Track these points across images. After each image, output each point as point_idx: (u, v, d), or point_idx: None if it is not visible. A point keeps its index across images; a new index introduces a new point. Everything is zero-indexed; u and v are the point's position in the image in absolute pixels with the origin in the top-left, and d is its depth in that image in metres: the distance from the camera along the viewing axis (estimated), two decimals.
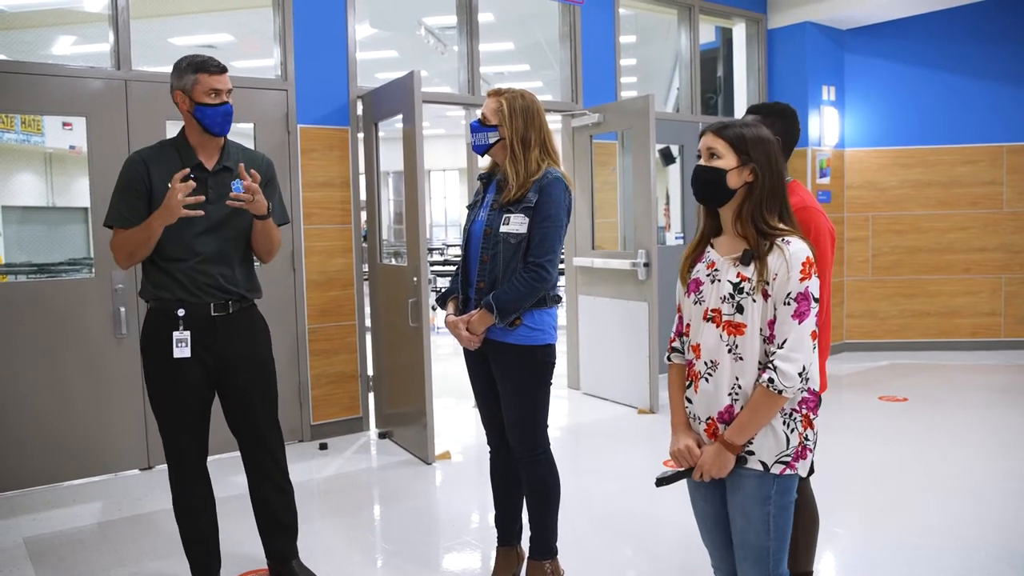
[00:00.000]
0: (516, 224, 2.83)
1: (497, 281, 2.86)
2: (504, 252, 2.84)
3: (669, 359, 2.23)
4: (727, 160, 2.03)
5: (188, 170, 2.76)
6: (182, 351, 2.82)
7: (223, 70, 2.87)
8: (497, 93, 2.94)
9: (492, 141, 2.92)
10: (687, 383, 2.14)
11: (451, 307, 3.02)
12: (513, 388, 2.92)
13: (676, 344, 2.21)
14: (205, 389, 2.93)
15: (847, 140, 8.18)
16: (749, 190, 2.03)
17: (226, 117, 2.86)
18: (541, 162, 2.89)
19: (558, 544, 3.08)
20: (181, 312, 2.83)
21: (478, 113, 3.00)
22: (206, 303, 2.86)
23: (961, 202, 7.93)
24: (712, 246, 2.12)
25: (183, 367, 2.84)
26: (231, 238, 2.91)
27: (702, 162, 2.07)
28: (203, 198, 2.74)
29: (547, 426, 3.00)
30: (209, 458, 3.03)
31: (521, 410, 2.92)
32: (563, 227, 2.88)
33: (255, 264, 3.09)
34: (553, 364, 2.96)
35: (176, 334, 2.82)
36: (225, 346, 2.91)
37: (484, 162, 3.15)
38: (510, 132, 2.87)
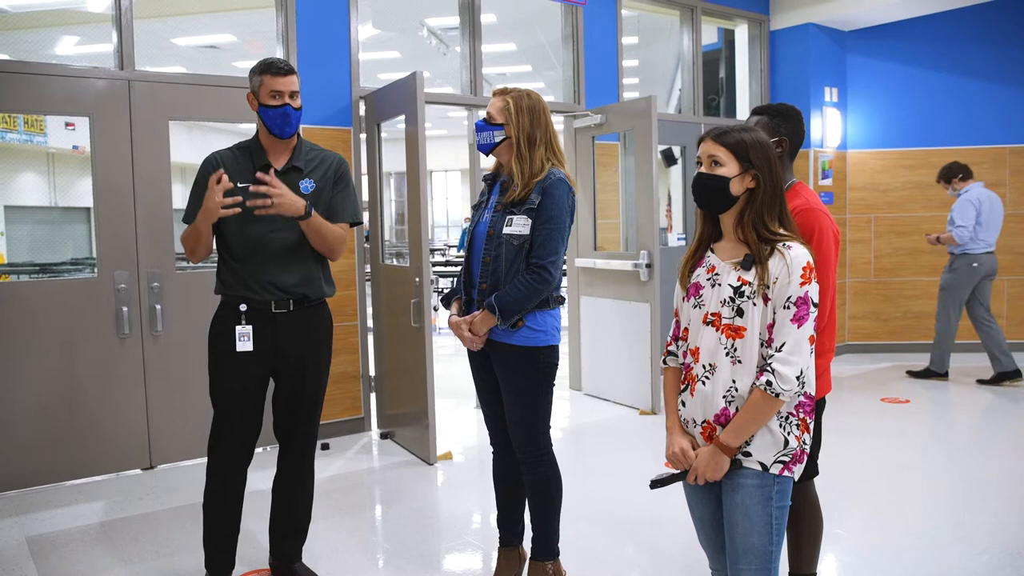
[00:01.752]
0: (519, 225, 2.83)
1: (499, 282, 2.85)
2: (507, 253, 2.84)
3: (665, 363, 2.24)
4: (729, 167, 2.04)
5: (222, 171, 2.82)
6: (244, 345, 2.93)
7: (287, 72, 2.93)
8: (503, 92, 2.93)
9: (497, 140, 2.90)
10: (683, 387, 2.14)
11: (455, 308, 3.03)
12: (515, 389, 2.92)
13: (672, 348, 2.22)
14: (261, 384, 3.02)
15: (849, 141, 8.18)
16: (750, 196, 2.04)
17: (284, 118, 2.92)
18: (546, 162, 2.88)
19: (560, 545, 3.08)
20: (243, 308, 2.93)
21: (481, 113, 3.01)
22: (267, 300, 2.94)
23: None
24: (712, 251, 2.13)
25: (243, 360, 2.93)
26: (296, 239, 2.96)
27: (703, 169, 2.08)
28: (265, 200, 2.79)
29: (549, 427, 3.00)
30: None
31: (523, 411, 2.92)
32: (566, 228, 2.87)
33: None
34: (556, 365, 2.96)
35: (239, 329, 2.93)
36: (285, 343, 2.99)
37: (488, 163, 3.15)
38: (516, 131, 2.86)
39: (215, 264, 3.13)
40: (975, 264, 6.60)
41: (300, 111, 2.97)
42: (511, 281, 2.83)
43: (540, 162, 2.86)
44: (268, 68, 2.91)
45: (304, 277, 3.01)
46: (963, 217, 6.53)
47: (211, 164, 2.98)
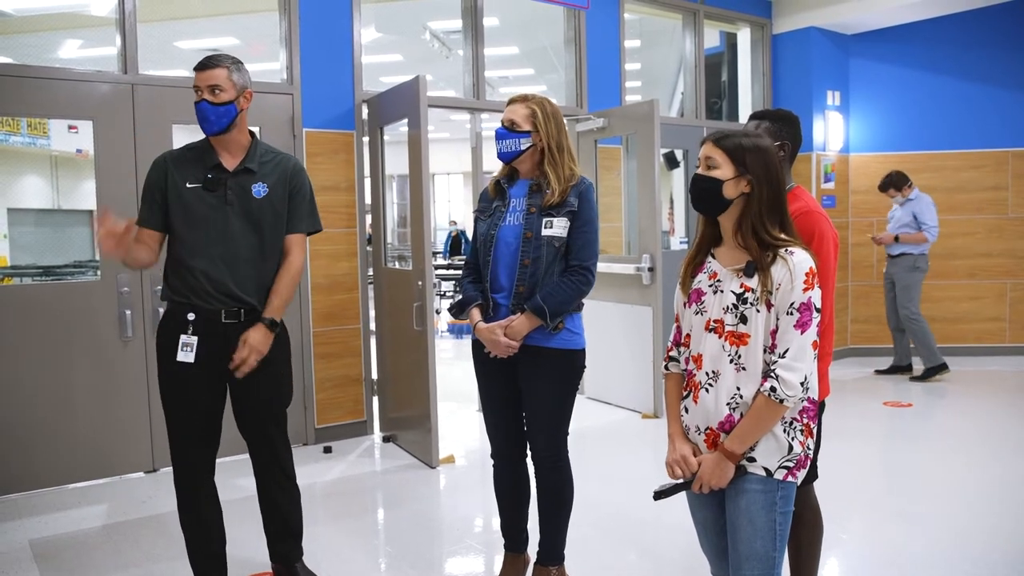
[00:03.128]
0: (559, 228, 2.83)
1: (538, 285, 2.84)
2: (547, 255, 2.84)
3: (667, 369, 2.23)
4: (724, 170, 2.03)
5: (106, 208, 2.72)
6: (186, 355, 2.78)
7: (206, 67, 2.81)
8: (524, 99, 2.93)
9: (524, 147, 2.89)
10: (685, 394, 2.13)
11: (478, 314, 2.95)
12: (546, 393, 2.90)
13: (673, 353, 2.21)
14: (213, 396, 2.89)
15: (852, 145, 8.18)
16: (747, 201, 2.03)
17: (201, 114, 2.80)
18: (573, 167, 2.91)
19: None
20: (191, 316, 2.80)
21: (484, 117, 3.00)
22: (216, 309, 2.81)
23: (966, 207, 7.91)
24: (713, 256, 2.12)
25: (191, 372, 2.80)
26: (247, 244, 2.85)
27: (699, 171, 2.08)
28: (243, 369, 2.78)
29: (568, 432, 3.00)
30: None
31: (551, 416, 2.92)
32: (599, 231, 2.93)
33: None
34: (585, 368, 2.99)
35: (183, 338, 2.78)
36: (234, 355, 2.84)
37: (490, 166, 3.14)
38: (546, 138, 2.88)
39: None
40: (929, 262, 7.03)
41: (227, 106, 2.80)
42: (550, 283, 2.83)
43: (569, 168, 2.89)
44: (196, 66, 2.82)
45: (257, 286, 2.88)
46: (931, 218, 6.92)
47: (158, 166, 2.87)
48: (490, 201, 3.02)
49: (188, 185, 2.81)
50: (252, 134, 2.96)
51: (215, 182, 2.82)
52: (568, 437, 3.01)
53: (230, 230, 2.83)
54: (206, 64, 2.82)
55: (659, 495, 2.09)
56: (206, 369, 2.82)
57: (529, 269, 2.85)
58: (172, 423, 2.89)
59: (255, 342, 2.80)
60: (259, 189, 2.87)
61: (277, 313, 2.91)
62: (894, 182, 7.03)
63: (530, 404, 2.94)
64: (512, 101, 2.95)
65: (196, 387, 2.84)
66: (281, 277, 2.94)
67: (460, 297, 3.07)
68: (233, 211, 2.83)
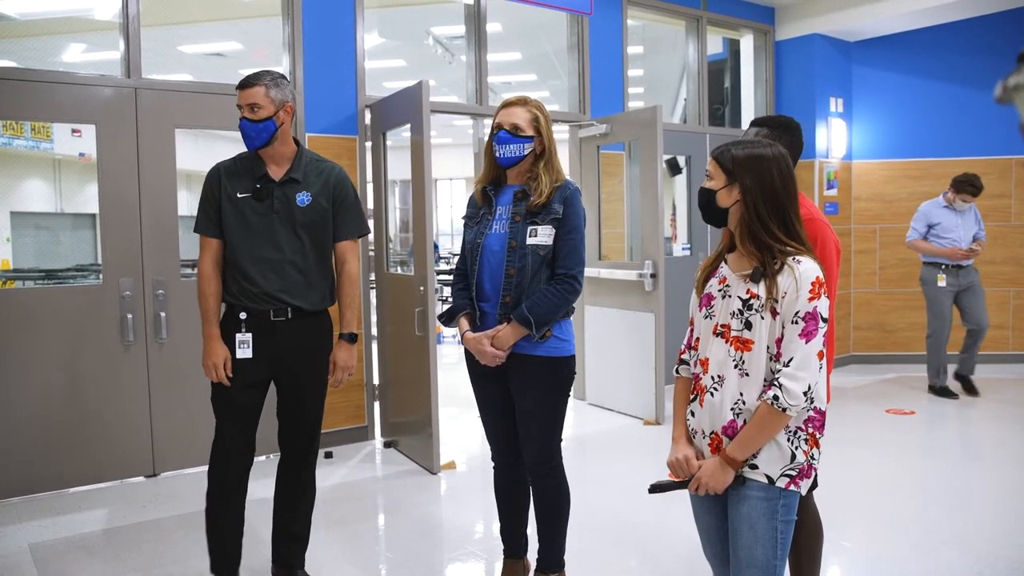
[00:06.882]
0: (544, 236, 2.80)
1: (524, 294, 2.81)
2: (532, 264, 2.81)
3: (677, 371, 2.24)
4: (716, 181, 2.10)
5: (228, 363, 2.95)
6: (244, 352, 2.96)
7: (243, 85, 2.96)
8: (524, 102, 2.89)
9: (527, 152, 2.85)
10: (692, 397, 2.14)
11: (466, 323, 2.94)
12: (536, 401, 2.88)
13: (685, 356, 2.22)
14: (260, 393, 3.04)
15: (855, 152, 8.17)
16: (743, 208, 2.07)
17: (243, 131, 2.96)
18: (559, 170, 2.89)
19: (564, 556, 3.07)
20: (243, 315, 2.96)
21: (486, 123, 2.99)
22: (266, 309, 2.97)
23: None
24: (725, 261, 2.14)
25: (243, 367, 2.96)
26: (293, 250, 2.99)
27: (703, 184, 2.15)
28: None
29: (561, 439, 2.99)
30: None
31: (542, 423, 2.90)
32: (585, 237, 2.90)
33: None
34: (575, 375, 2.97)
35: (239, 336, 2.96)
36: (283, 351, 3.01)
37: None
38: (548, 142, 2.87)
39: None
40: None
41: (265, 122, 2.93)
42: (536, 291, 2.80)
43: (558, 170, 2.87)
44: (239, 84, 2.98)
45: (305, 289, 3.02)
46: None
47: (212, 176, 3.03)
48: (477, 208, 2.99)
49: (239, 195, 2.97)
50: (297, 143, 3.09)
51: (263, 192, 2.97)
52: (562, 443, 2.99)
53: (277, 237, 2.97)
54: (245, 83, 2.97)
55: (654, 489, 2.12)
56: (256, 364, 2.98)
57: (515, 279, 2.82)
58: (222, 416, 3.01)
59: (345, 361, 3.10)
60: (303, 198, 3.00)
61: (354, 325, 3.15)
62: (979, 187, 6.51)
63: (520, 412, 2.92)
64: (510, 104, 2.89)
65: (246, 381, 2.98)
66: (344, 288, 3.14)
67: (450, 305, 3.06)
68: (279, 219, 2.97)
